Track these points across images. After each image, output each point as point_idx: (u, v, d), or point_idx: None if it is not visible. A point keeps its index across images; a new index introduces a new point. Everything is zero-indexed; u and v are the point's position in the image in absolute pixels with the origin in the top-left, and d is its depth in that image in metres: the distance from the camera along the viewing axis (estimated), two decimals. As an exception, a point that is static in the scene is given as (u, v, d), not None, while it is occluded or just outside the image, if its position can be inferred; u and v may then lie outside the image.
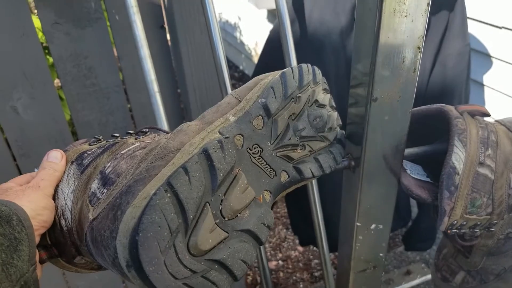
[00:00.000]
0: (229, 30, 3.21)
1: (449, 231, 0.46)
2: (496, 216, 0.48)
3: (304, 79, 0.40)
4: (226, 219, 0.31)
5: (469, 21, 1.41)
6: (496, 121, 0.51)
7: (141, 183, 0.28)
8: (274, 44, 0.98)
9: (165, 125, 0.84)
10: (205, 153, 0.29)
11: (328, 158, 0.42)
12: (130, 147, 0.36)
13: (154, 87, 0.82)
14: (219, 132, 0.33)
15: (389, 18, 0.36)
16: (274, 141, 0.37)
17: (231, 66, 3.44)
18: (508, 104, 1.47)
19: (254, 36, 2.74)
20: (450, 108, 0.46)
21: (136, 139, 0.39)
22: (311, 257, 1.93)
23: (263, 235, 0.33)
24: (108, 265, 0.28)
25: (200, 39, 0.97)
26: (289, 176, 0.38)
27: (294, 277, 1.85)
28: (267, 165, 0.36)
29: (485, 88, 1.50)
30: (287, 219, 2.17)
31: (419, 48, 0.39)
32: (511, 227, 0.51)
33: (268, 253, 1.98)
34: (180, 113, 1.08)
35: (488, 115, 0.47)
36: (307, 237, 1.30)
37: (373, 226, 0.51)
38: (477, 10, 1.39)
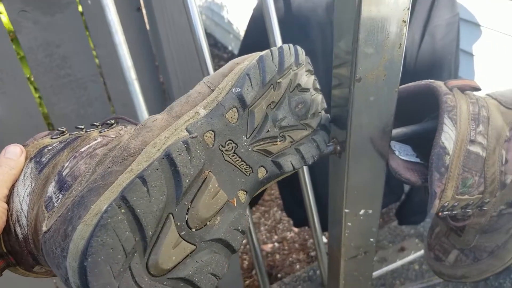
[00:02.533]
0: (215, 9, 3.13)
1: (440, 213, 0.44)
2: (488, 195, 0.46)
3: (285, 62, 0.37)
4: (193, 229, 0.28)
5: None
6: (487, 95, 0.48)
7: (95, 193, 0.25)
8: (258, 23, 0.94)
9: (145, 115, 0.81)
10: (168, 157, 0.26)
11: (311, 147, 0.39)
12: (91, 143, 0.33)
13: (132, 74, 0.78)
14: (186, 129, 0.29)
15: (369, -11, 0.33)
16: (251, 135, 0.34)
17: (220, 47, 3.37)
18: (498, 73, 1.45)
19: (243, 15, 2.67)
20: (439, 84, 0.44)
21: (100, 132, 0.35)
22: (307, 237, 1.93)
23: (236, 242, 0.30)
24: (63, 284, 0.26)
25: (180, 21, 0.93)
26: (267, 172, 0.35)
27: (290, 258, 1.85)
28: (242, 162, 0.33)
29: (475, 58, 1.48)
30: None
31: (404, 22, 0.36)
32: (503, 203, 0.50)
33: (264, 236, 1.98)
34: (163, 100, 1.04)
35: (478, 89, 0.44)
36: (300, 219, 1.28)
37: (362, 211, 0.49)
38: (464, -22, 1.35)
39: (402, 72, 1.03)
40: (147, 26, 0.96)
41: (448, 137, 0.41)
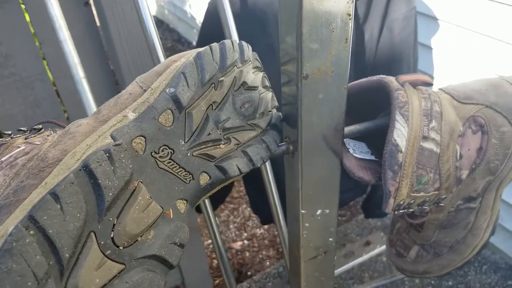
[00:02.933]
0: (178, 4, 3.06)
1: (396, 212, 0.43)
2: (444, 191, 0.45)
3: (227, 58, 0.34)
4: (121, 247, 0.25)
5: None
6: (439, 89, 0.47)
7: (6, 211, 0.22)
8: (213, 17, 0.91)
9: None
10: (86, 169, 0.23)
11: (260, 148, 0.37)
12: (13, 152, 0.29)
13: (79, 72, 0.73)
14: (111, 136, 0.26)
15: (311, -20, 0.31)
16: (189, 139, 0.31)
17: (184, 42, 3.30)
18: (456, 66, 1.48)
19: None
20: (390, 80, 0.42)
21: (25, 139, 0.32)
22: (277, 233, 1.92)
23: (173, 257, 0.27)
24: None
25: (131, 15, 0.89)
26: (210, 178, 0.32)
27: (260, 255, 1.84)
28: (180, 169, 0.30)
29: (433, 51, 1.50)
30: (249, 197, 2.14)
31: (349, 15, 0.34)
32: (460, 199, 0.49)
33: (233, 234, 1.95)
34: (119, 99, 0.99)
35: (430, 84, 0.43)
36: (267, 216, 1.27)
37: (319, 211, 0.47)
38: (422, -29, 1.36)
39: (362, 67, 1.02)
40: (97, 22, 0.91)
41: (400, 134, 0.40)
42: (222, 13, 0.78)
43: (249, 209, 2.09)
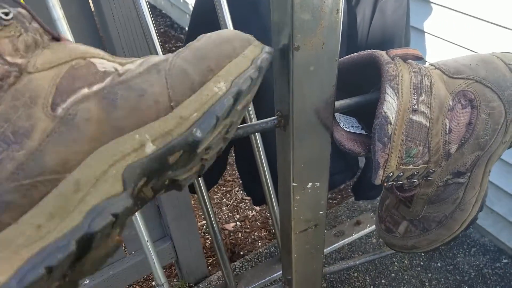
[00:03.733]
0: (170, -13, 3.02)
1: (385, 184, 0.44)
2: (433, 164, 0.46)
3: None
4: None
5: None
6: (430, 64, 0.48)
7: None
8: (205, 0, 0.90)
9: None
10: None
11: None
12: None
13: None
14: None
15: None
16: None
17: (177, 27, 3.27)
18: (448, 49, 1.48)
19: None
20: (381, 54, 0.43)
21: None
22: (268, 214, 1.94)
23: None
24: None
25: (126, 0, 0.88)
26: None
27: (252, 236, 1.86)
28: None
29: (426, 35, 1.50)
30: (243, 180, 2.16)
31: (341, -16, 0.34)
32: (449, 173, 0.50)
33: (226, 216, 1.97)
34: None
35: (421, 58, 0.44)
36: (259, 197, 1.28)
37: (309, 184, 0.48)
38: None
39: (355, 50, 1.03)
40: (92, 6, 0.89)
41: (390, 106, 0.40)
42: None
43: (241, 191, 2.10)
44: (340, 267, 0.69)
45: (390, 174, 0.43)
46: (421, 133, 0.42)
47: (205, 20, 0.93)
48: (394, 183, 0.45)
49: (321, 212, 0.52)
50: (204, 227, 1.88)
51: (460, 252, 1.70)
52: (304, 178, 0.47)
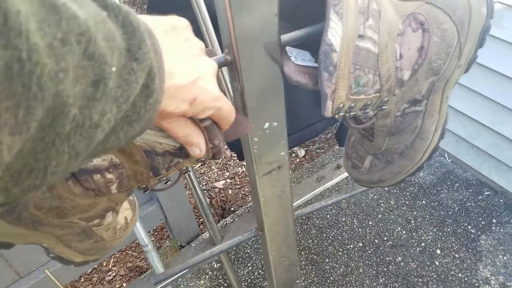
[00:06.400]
0: None
1: (336, 116, 0.43)
2: (386, 93, 0.45)
3: None
4: None
5: None
6: (380, -12, 0.46)
7: None
8: None
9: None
10: None
11: None
12: None
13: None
14: None
15: None
16: None
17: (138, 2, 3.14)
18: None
19: None
20: (325, -22, 0.41)
21: None
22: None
23: None
24: None
25: None
26: None
27: (242, 192, 1.89)
28: None
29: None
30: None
31: None
32: (405, 102, 0.50)
33: (216, 174, 1.99)
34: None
35: (366, -19, 0.42)
36: (242, 151, 1.28)
37: (266, 125, 0.47)
38: None
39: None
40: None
41: (334, 33, 0.39)
42: None
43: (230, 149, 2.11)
44: (312, 208, 0.70)
45: (341, 106, 0.42)
46: (370, 60, 0.42)
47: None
48: (347, 114, 0.45)
49: (282, 153, 0.52)
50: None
51: (443, 189, 1.75)
52: (259, 119, 0.46)
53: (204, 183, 1.89)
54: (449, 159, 1.85)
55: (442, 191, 1.72)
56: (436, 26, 0.45)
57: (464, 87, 1.56)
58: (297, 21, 0.48)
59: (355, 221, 1.61)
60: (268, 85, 0.44)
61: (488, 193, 1.69)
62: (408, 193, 1.71)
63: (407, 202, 1.68)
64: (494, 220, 1.59)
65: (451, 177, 1.77)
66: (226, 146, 2.10)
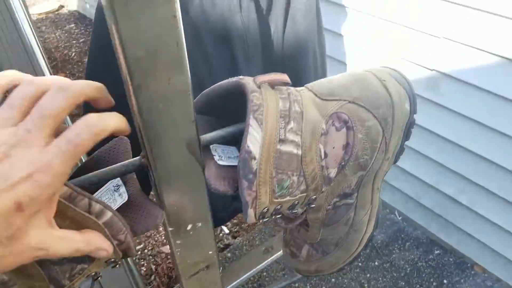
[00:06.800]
0: None
1: (261, 221, 0.41)
2: (313, 192, 0.44)
3: None
4: None
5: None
6: (305, 87, 0.46)
7: None
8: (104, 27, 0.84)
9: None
10: None
11: None
12: None
13: None
14: None
15: None
16: None
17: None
18: (366, 52, 1.52)
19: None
20: (247, 81, 0.40)
21: None
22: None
23: None
24: None
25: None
26: None
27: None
28: None
29: (344, 38, 1.53)
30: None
31: (175, 17, 0.31)
32: (335, 196, 0.49)
33: (163, 237, 1.89)
34: None
35: (288, 83, 0.41)
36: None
37: (189, 226, 0.44)
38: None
39: (272, 61, 1.00)
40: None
41: (253, 139, 0.37)
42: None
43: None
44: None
45: (265, 210, 0.40)
46: (293, 163, 0.40)
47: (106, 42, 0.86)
48: (273, 217, 0.42)
49: (210, 252, 0.48)
50: (139, 252, 1.79)
51: (395, 248, 1.75)
52: (180, 221, 0.43)
53: (150, 247, 1.79)
54: (399, 217, 1.88)
55: (394, 251, 1.72)
56: (360, 124, 0.45)
57: (411, 149, 1.62)
58: (224, 115, 0.47)
59: (308, 286, 1.56)
60: (189, 189, 0.41)
61: (438, 252, 1.71)
62: (360, 255, 1.69)
63: (360, 264, 1.66)
64: (445, 281, 1.60)
65: (402, 235, 1.79)
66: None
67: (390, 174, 1.66)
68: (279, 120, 0.39)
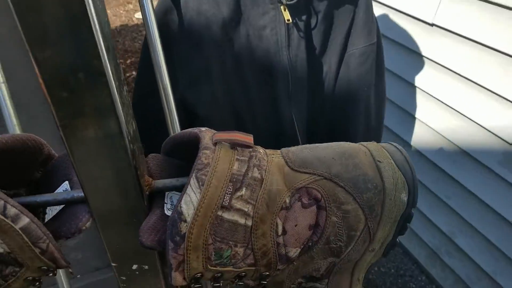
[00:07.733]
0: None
1: (192, 285, 0.37)
2: (264, 268, 0.39)
3: None
4: None
5: (400, 15, 1.30)
6: (281, 150, 0.41)
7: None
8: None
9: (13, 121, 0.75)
10: None
11: None
12: None
13: (-2, 77, 0.72)
14: None
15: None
16: None
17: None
18: (439, 107, 1.37)
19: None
20: (203, 135, 0.37)
21: None
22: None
23: None
24: None
25: None
26: None
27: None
28: None
29: (417, 90, 1.40)
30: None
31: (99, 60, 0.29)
32: (300, 277, 0.43)
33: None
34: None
35: (249, 147, 0.38)
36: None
37: (134, 266, 0.43)
38: (407, 3, 1.27)
39: (320, 100, 0.95)
40: None
41: (188, 201, 0.34)
42: (152, 45, 0.74)
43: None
44: None
45: (198, 275, 0.37)
46: (238, 234, 0.36)
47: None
48: (212, 283, 0.39)
49: (161, 295, 0.46)
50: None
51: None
52: (124, 260, 0.42)
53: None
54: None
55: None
56: (335, 205, 0.39)
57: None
58: (186, 161, 0.44)
59: None
60: (128, 230, 0.39)
61: None
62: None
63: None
64: None
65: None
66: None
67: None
68: (227, 184, 0.35)
